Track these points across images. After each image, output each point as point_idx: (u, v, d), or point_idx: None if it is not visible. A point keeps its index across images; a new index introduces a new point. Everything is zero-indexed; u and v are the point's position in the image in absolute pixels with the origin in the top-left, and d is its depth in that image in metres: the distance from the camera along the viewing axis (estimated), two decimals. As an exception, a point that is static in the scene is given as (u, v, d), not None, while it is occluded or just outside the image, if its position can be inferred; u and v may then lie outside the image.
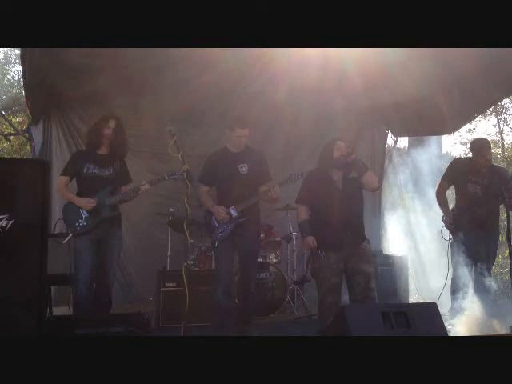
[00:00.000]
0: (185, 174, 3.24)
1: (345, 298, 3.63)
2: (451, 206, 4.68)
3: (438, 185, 4.71)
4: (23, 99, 8.49)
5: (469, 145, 4.84)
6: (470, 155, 4.60)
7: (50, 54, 3.89)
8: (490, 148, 4.52)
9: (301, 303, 5.23)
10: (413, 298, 5.62)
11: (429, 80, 4.77)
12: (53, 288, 4.30)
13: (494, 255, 4.57)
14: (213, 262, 4.87)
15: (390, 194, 7.06)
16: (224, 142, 4.07)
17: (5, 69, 12.29)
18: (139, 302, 5.09)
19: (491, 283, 4.16)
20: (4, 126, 9.94)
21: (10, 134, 8.57)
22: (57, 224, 4.21)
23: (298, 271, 5.52)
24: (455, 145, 18.84)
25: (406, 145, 8.77)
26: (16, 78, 11.97)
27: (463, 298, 3.96)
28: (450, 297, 4.42)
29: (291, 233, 5.34)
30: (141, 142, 5.59)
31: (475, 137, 8.14)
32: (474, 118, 7.91)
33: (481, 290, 4.11)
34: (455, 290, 4.29)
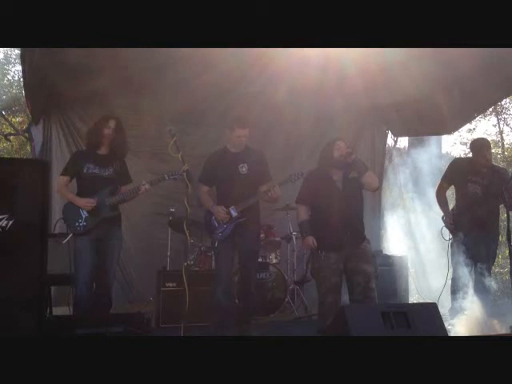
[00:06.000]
0: (185, 174, 3.25)
1: (345, 298, 3.63)
2: (451, 205, 4.68)
3: (437, 185, 4.70)
4: (23, 99, 8.51)
5: (469, 145, 4.84)
6: (470, 155, 4.60)
7: (49, 54, 3.89)
8: (490, 148, 4.51)
9: (301, 303, 5.23)
10: (413, 298, 5.62)
11: (429, 80, 4.77)
12: (53, 288, 4.30)
13: (494, 255, 4.56)
14: (213, 262, 4.87)
15: (390, 194, 7.06)
16: (224, 142, 4.07)
17: (5, 69, 12.29)
18: (139, 302, 5.09)
19: (491, 283, 4.16)
20: (4, 125, 9.94)
21: (10, 134, 8.58)
22: (57, 224, 4.23)
23: (298, 271, 5.52)
24: (455, 145, 18.85)
25: (406, 145, 8.78)
26: (16, 78, 11.98)
27: (463, 298, 3.96)
28: (450, 297, 4.42)
29: (291, 233, 5.34)
30: (141, 142, 5.59)
31: (475, 137, 8.16)
32: (474, 117, 7.93)
33: (481, 289, 4.10)
34: (455, 289, 4.28)
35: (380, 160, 6.65)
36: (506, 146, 12.98)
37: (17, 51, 11.12)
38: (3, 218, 2.50)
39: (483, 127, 29.86)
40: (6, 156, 10.38)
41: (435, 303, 2.87)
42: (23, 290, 2.51)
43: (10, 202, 2.55)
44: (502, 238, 4.93)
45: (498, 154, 12.29)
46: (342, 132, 5.36)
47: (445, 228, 4.51)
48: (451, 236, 4.46)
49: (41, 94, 4.84)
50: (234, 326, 3.80)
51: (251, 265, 3.95)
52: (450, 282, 4.43)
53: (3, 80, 12.10)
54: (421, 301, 5.33)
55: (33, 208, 2.59)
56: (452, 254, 4.40)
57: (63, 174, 3.94)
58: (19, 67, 9.59)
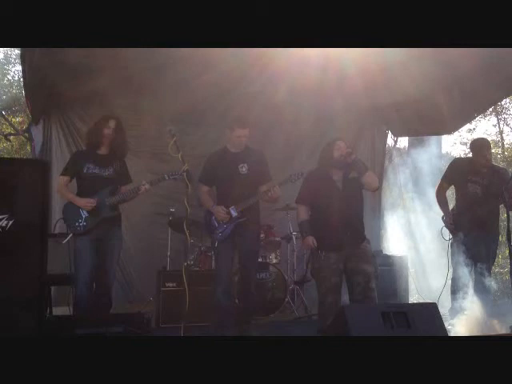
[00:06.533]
0: (185, 174, 3.25)
1: (345, 298, 3.63)
2: (451, 205, 4.68)
3: (437, 185, 4.70)
4: (23, 99, 8.51)
5: (469, 145, 4.84)
6: (470, 155, 4.60)
7: (49, 54, 3.89)
8: (490, 148, 4.51)
9: (301, 303, 5.23)
10: (413, 298, 5.62)
11: (429, 80, 4.77)
12: (53, 288, 4.30)
13: (494, 255, 4.56)
14: (213, 262, 4.87)
15: (390, 194, 7.07)
16: (224, 142, 4.07)
17: (5, 69, 12.29)
18: (139, 302, 5.09)
19: (491, 283, 4.16)
20: (4, 125, 9.94)
21: (10, 134, 8.58)
22: (57, 224, 4.23)
23: (298, 271, 5.52)
24: (455, 145, 18.86)
25: (406, 145, 8.79)
26: (16, 78, 11.98)
27: (463, 298, 3.96)
28: (450, 297, 4.42)
29: (291, 233, 5.34)
30: (141, 142, 5.59)
31: (475, 137, 8.16)
32: (474, 117, 7.93)
33: (481, 289, 4.11)
34: (455, 289, 4.28)
35: (380, 160, 6.65)
36: (506, 146, 12.98)
37: (17, 51, 11.13)
38: (3, 218, 2.50)
39: (483, 127, 29.90)
40: (5, 156, 10.38)
41: (435, 303, 2.87)
42: (23, 289, 2.51)
43: (10, 201, 2.55)
44: (502, 238, 4.93)
45: (498, 154, 12.29)
46: (342, 132, 5.35)
47: (445, 228, 4.51)
48: (451, 236, 4.46)
49: (41, 93, 4.84)
50: (234, 326, 3.79)
51: (251, 265, 3.95)
52: (450, 282, 4.43)
53: (3, 80, 12.10)
54: (421, 301, 5.33)
55: (33, 208, 2.59)
56: (452, 254, 4.40)
57: (63, 174, 3.94)
58: (19, 67, 9.60)
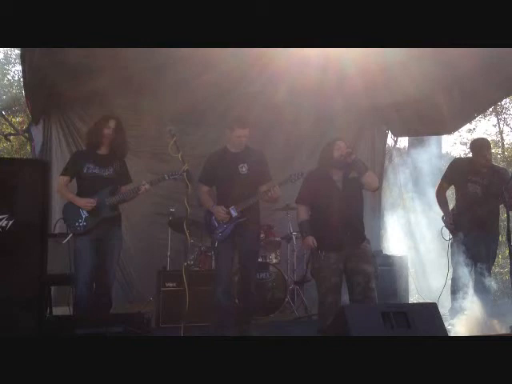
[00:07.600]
0: (185, 174, 3.25)
1: (345, 298, 3.63)
2: (451, 205, 4.68)
3: (437, 185, 4.71)
4: (23, 99, 8.51)
5: (469, 145, 4.84)
6: (470, 155, 4.60)
7: (49, 54, 3.89)
8: (490, 148, 4.51)
9: (301, 303, 5.23)
10: (413, 298, 5.62)
11: (429, 80, 4.77)
12: (53, 288, 4.30)
13: (494, 255, 4.56)
14: (213, 262, 4.87)
15: (390, 194, 7.07)
16: (224, 142, 4.07)
17: (5, 69, 12.29)
18: (139, 302, 5.10)
19: (491, 283, 4.16)
20: (4, 125, 9.94)
21: (10, 134, 8.58)
22: (57, 224, 4.23)
23: (298, 271, 5.52)
24: (455, 145, 18.87)
25: (406, 145, 8.79)
26: (16, 78, 11.98)
27: (463, 298, 3.96)
28: (450, 297, 4.42)
29: (291, 233, 5.34)
30: (141, 142, 5.59)
31: (475, 137, 8.16)
32: (474, 117, 7.94)
33: (481, 289, 4.11)
34: (455, 289, 4.29)
35: (380, 160, 6.65)
36: (506, 146, 12.98)
37: (17, 51, 11.13)
38: (3, 218, 2.50)
39: (483, 127, 29.92)
40: (5, 156, 10.38)
41: (435, 303, 2.87)
42: (23, 289, 2.51)
43: (10, 201, 2.55)
44: (502, 238, 4.93)
45: (498, 154, 12.29)
46: (342, 132, 5.36)
47: (445, 228, 4.51)
48: (451, 236, 4.46)
49: (41, 93, 4.84)
50: (234, 326, 3.79)
51: (251, 265, 3.95)
52: (450, 282, 4.43)
53: (3, 80, 12.10)
54: (421, 301, 5.33)
55: (33, 208, 2.59)
56: (452, 254, 4.40)
57: (63, 174, 3.94)
58: (19, 67, 9.60)
